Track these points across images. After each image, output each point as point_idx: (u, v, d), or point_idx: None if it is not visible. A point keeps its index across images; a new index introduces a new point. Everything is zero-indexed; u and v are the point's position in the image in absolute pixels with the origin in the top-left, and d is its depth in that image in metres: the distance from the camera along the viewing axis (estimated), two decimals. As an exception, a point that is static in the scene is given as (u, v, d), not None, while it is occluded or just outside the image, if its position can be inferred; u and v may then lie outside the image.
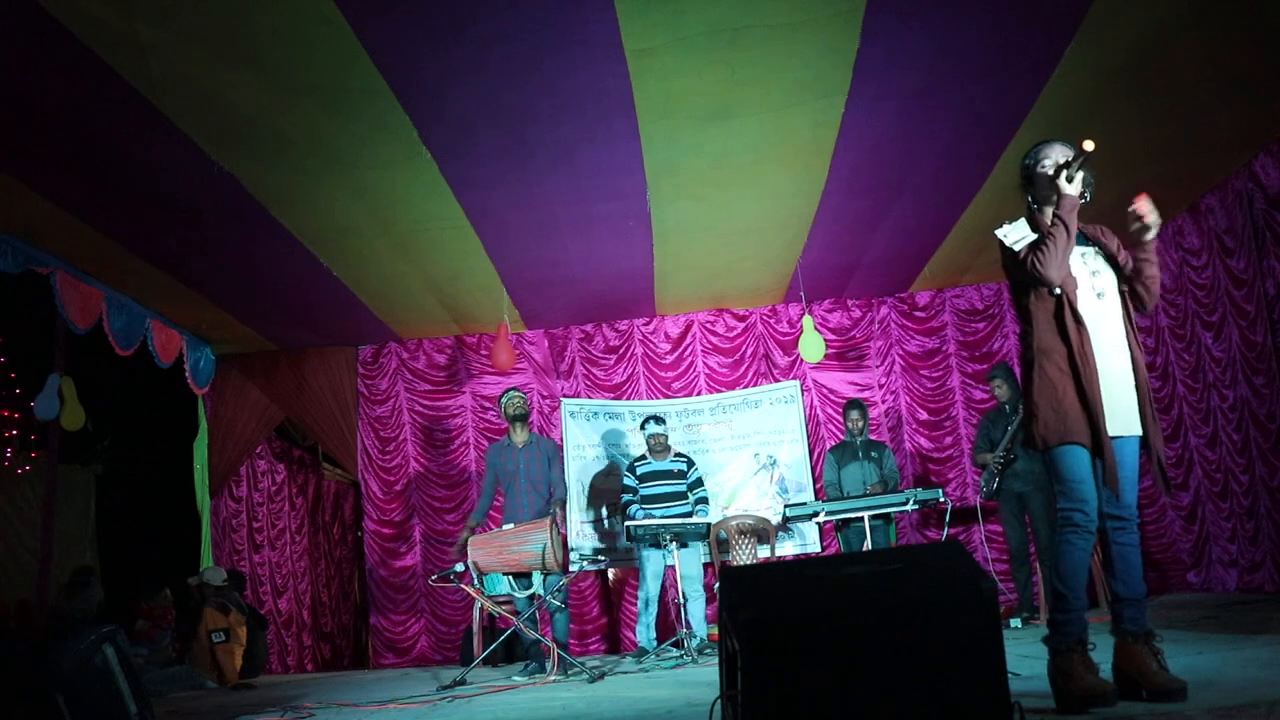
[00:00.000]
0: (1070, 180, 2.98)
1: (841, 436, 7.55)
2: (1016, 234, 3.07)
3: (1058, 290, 2.96)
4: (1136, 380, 2.99)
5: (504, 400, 6.51)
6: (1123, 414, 2.95)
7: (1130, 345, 3.02)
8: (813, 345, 7.56)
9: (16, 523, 9.21)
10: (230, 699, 5.73)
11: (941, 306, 8.47)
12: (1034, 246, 2.99)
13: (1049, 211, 3.05)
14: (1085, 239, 3.13)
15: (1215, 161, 6.15)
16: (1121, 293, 3.06)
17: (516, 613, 5.96)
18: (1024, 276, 3.02)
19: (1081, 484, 2.89)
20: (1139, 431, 2.99)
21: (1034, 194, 3.13)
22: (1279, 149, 5.84)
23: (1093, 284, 3.03)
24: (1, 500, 9.25)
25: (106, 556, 9.77)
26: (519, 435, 6.36)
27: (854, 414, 7.15)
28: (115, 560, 9.85)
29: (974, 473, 7.09)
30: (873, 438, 7.62)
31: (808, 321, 7.63)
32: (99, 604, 7.28)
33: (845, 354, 8.45)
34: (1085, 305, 2.98)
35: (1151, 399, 3.01)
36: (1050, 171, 3.04)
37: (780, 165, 5.74)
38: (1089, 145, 2.92)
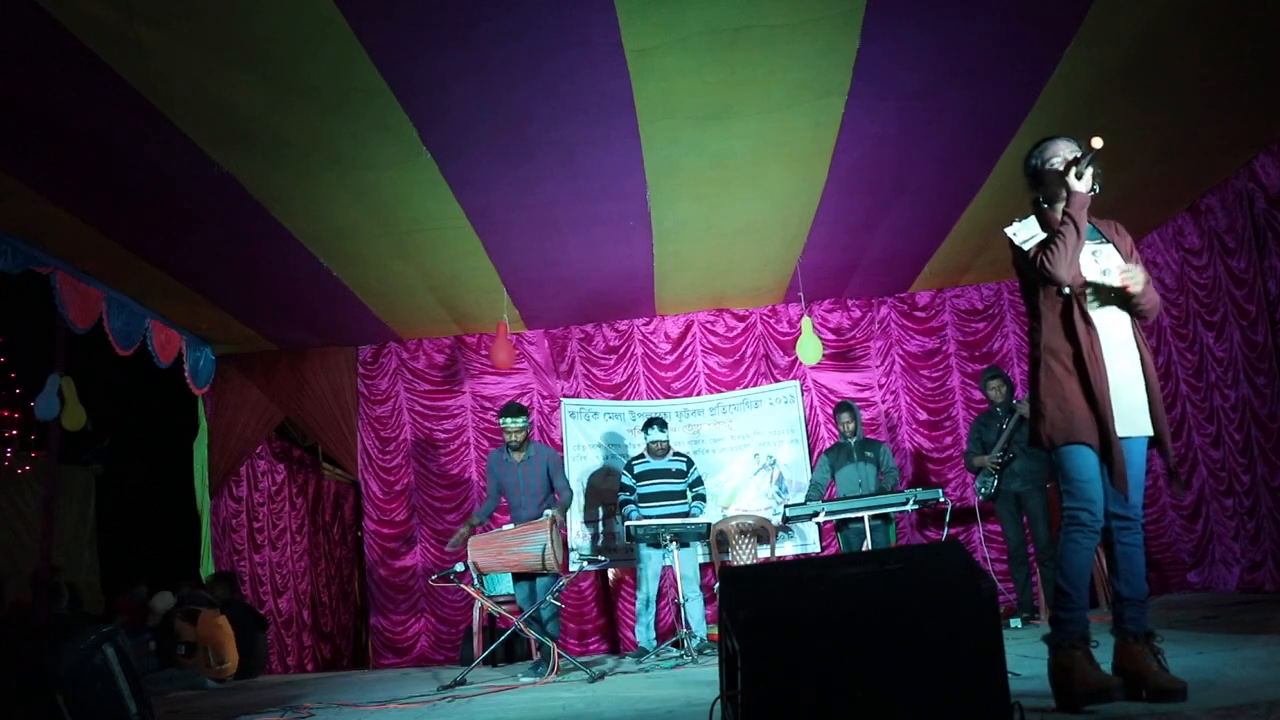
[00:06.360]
0: (1079, 177, 2.97)
1: (838, 438, 7.55)
2: (1026, 232, 3.06)
3: (1067, 290, 2.95)
4: (1146, 380, 2.99)
5: (502, 422, 6.29)
6: (1130, 414, 2.94)
7: (1138, 345, 3.01)
8: (811, 347, 7.56)
9: (16, 523, 9.22)
10: (230, 699, 5.73)
11: (941, 306, 8.47)
12: (1043, 245, 2.97)
13: (1059, 209, 3.03)
14: (1100, 235, 3.11)
15: (1215, 161, 6.15)
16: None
17: (517, 612, 5.96)
18: (1034, 275, 3.01)
19: (1088, 484, 2.88)
20: (1147, 432, 2.98)
21: (1043, 192, 3.11)
22: (1279, 149, 5.84)
23: (1102, 283, 3.02)
24: (1, 500, 9.26)
25: (106, 556, 9.78)
26: (516, 455, 6.29)
27: (844, 416, 7.13)
28: (115, 560, 9.86)
29: (972, 474, 7.09)
30: (869, 436, 7.61)
31: (806, 323, 7.63)
32: (68, 604, 7.29)
33: (845, 354, 8.45)
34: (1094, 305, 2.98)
35: (1161, 399, 3.01)
36: (1060, 168, 3.02)
37: (780, 165, 5.74)
38: (1097, 142, 2.91)
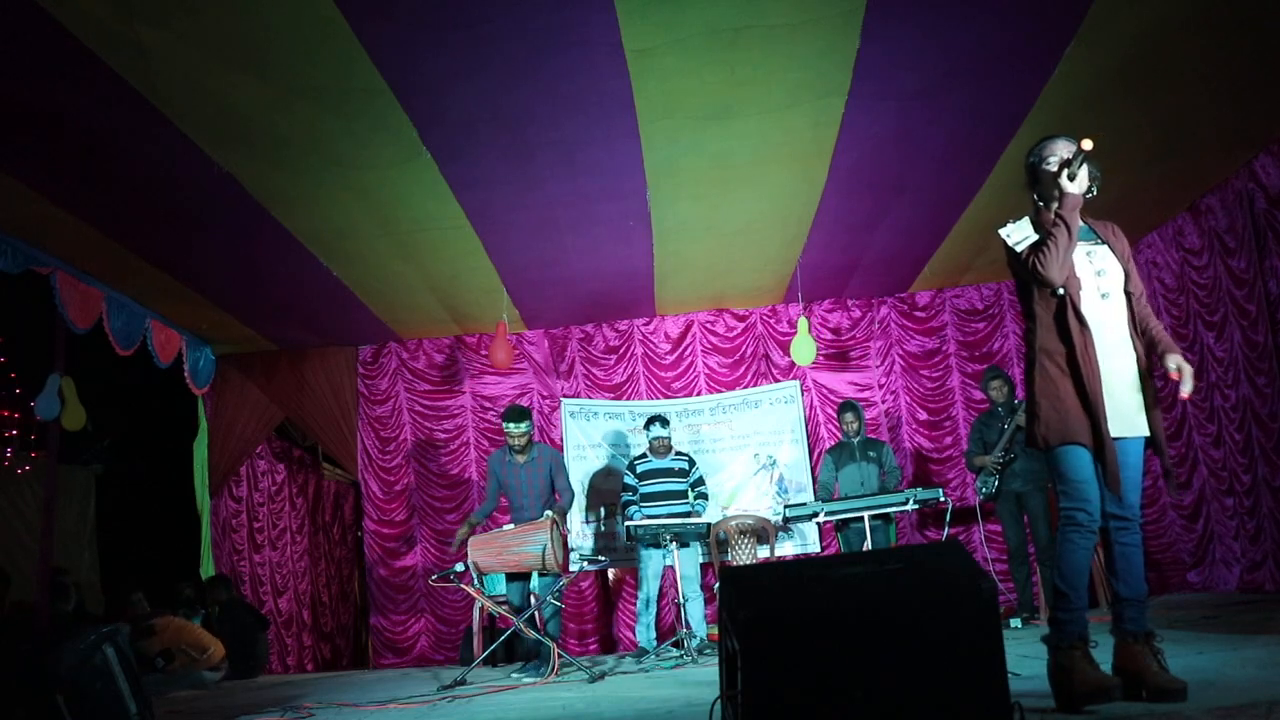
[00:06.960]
0: (1072, 178, 2.97)
1: (840, 437, 7.55)
2: (1019, 234, 3.06)
3: (1060, 290, 2.95)
4: (1142, 381, 2.99)
5: (505, 427, 6.23)
6: (1126, 415, 2.94)
7: (1134, 345, 3.00)
8: (805, 348, 7.56)
9: (16, 523, 9.20)
10: (230, 699, 5.73)
11: (941, 306, 8.47)
12: (1036, 247, 2.98)
13: (1053, 209, 3.04)
14: (1095, 235, 3.11)
15: (1215, 161, 6.15)
16: (1127, 293, 3.04)
17: (516, 612, 5.95)
18: (1027, 276, 3.01)
19: (1084, 484, 2.88)
20: (1143, 432, 2.98)
21: (1039, 191, 3.12)
22: (1279, 149, 5.84)
23: (1097, 284, 3.01)
24: (1, 500, 9.25)
25: (106, 557, 9.76)
26: (520, 456, 6.25)
27: (848, 415, 7.13)
28: (115, 560, 9.84)
29: (972, 474, 7.09)
30: (871, 436, 7.61)
31: (802, 324, 7.63)
32: (76, 606, 7.27)
33: (845, 354, 8.45)
34: (1089, 305, 2.97)
35: (1157, 399, 3.01)
36: (1054, 169, 3.03)
37: (780, 165, 5.74)
38: (1087, 144, 2.92)
